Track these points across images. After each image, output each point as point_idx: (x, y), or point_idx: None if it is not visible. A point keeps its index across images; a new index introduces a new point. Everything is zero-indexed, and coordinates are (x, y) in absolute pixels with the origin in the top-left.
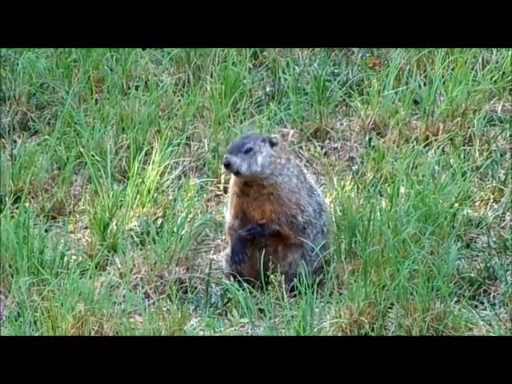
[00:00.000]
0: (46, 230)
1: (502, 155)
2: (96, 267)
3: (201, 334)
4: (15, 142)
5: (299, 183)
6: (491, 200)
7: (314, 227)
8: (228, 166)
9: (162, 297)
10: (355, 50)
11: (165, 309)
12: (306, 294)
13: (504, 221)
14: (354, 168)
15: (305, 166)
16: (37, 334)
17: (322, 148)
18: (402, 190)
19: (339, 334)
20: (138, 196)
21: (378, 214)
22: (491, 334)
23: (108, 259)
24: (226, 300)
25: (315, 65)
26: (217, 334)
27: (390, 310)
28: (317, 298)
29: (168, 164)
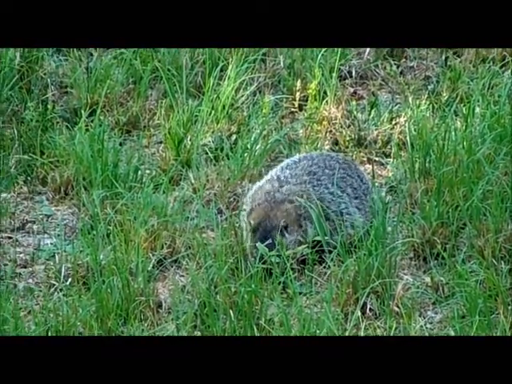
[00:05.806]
0: (120, 144)
1: None
2: (170, 182)
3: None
4: (91, 54)
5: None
6: None
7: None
8: None
9: (234, 213)
10: None
11: (237, 225)
12: (378, 213)
13: None
14: (429, 87)
15: (380, 84)
16: (109, 248)
17: (397, 67)
18: (478, 110)
19: (411, 254)
20: (213, 112)
21: (453, 133)
22: None
23: (182, 174)
24: None
25: None
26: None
27: (462, 231)
28: (389, 217)
29: (243, 80)
